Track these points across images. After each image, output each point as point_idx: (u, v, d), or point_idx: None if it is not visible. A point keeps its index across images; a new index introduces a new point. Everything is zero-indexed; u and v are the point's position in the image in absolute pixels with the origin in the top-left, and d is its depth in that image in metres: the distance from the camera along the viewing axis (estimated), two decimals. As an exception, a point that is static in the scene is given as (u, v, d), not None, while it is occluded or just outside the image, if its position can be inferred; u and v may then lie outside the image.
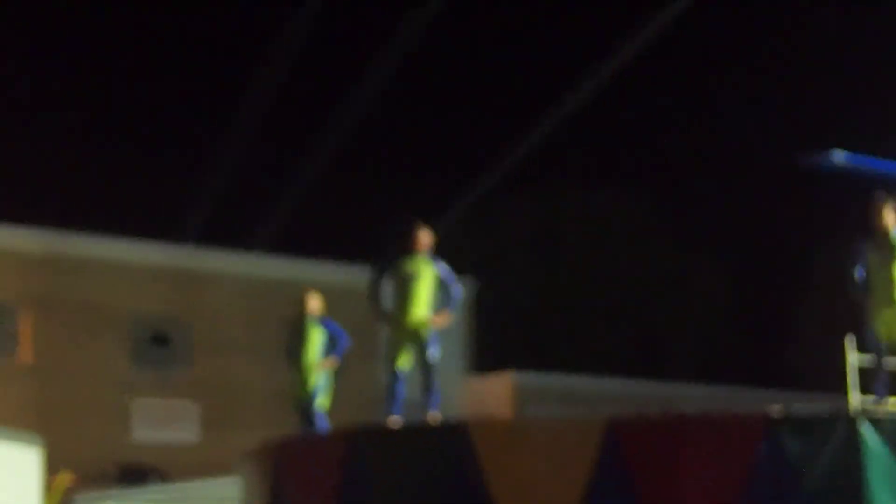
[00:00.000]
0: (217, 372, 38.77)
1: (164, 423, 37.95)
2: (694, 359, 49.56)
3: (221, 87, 66.49)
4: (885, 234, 15.32)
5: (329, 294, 41.15)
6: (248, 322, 39.57)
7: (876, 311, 15.53)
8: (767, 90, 56.30)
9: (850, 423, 11.93)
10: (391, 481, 12.79)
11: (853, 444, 11.75)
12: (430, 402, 15.64)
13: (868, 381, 16.85)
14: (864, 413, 12.45)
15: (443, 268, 16.16)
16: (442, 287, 16.09)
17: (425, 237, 16.05)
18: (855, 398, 16.87)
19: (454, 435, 13.08)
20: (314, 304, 18.36)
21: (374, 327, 41.50)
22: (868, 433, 11.78)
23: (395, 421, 15.34)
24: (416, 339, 15.75)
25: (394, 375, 16.00)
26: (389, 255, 16.15)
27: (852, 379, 17.54)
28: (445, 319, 16.06)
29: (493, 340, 44.80)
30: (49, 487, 23.33)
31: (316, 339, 18.00)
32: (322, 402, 18.19)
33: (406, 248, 16.00)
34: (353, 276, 41.45)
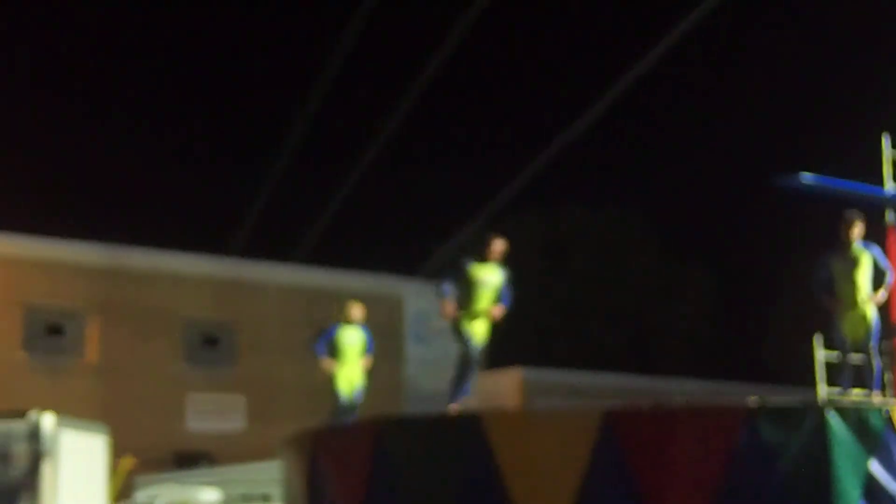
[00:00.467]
0: (260, 370, 38.79)
1: (213, 414, 37.99)
2: (682, 356, 49.45)
3: (266, 121, 66.49)
4: (850, 246, 15.41)
5: (358, 301, 41.27)
6: (288, 326, 39.58)
7: (842, 313, 15.59)
8: (746, 120, 56.32)
9: (818, 412, 11.92)
10: (415, 465, 12.80)
11: (821, 431, 11.73)
12: (459, 393, 15.87)
13: (834, 374, 16.90)
14: (831, 403, 12.46)
15: (505, 274, 16.07)
16: (502, 291, 16.04)
17: (498, 246, 15.94)
18: (822, 390, 16.88)
19: (470, 424, 13.05)
20: (357, 312, 18.32)
21: (397, 331, 41.78)
22: (834, 421, 11.76)
23: (454, 408, 15.49)
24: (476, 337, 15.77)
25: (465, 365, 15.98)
26: (464, 261, 16.00)
27: (820, 373, 17.55)
28: (501, 312, 15.97)
29: (503, 340, 44.71)
30: (113, 470, 23.34)
31: (359, 344, 18.32)
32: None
33: (480, 255, 15.90)
34: (380, 284, 41.59)
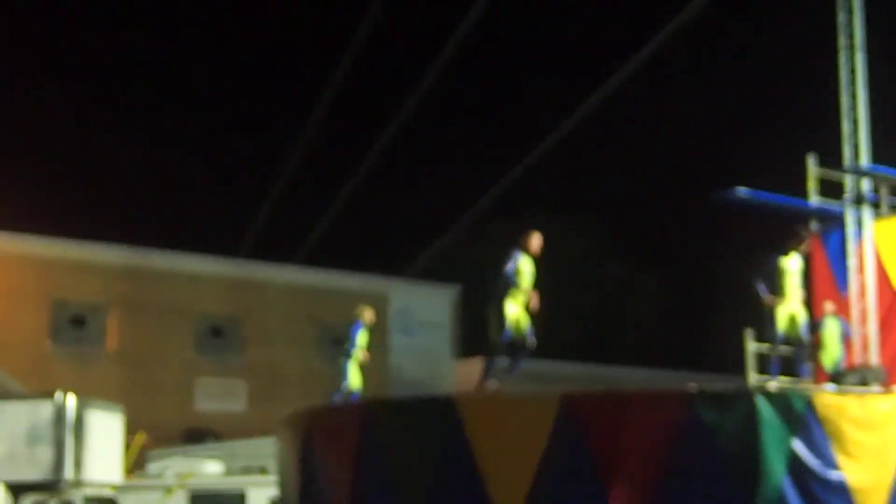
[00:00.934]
0: (262, 358, 38.82)
1: (219, 396, 38.01)
2: (633, 347, 49.57)
3: (272, 140, 66.43)
4: (793, 254, 15.52)
5: (349, 297, 41.34)
6: (287, 319, 39.64)
7: (778, 310, 15.68)
8: (692, 142, 56.61)
9: (749, 397, 11.97)
10: (398, 442, 12.81)
11: (752, 413, 11.77)
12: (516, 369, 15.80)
13: (763, 364, 17.01)
14: (760, 389, 12.54)
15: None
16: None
17: (535, 241, 15.94)
18: (752, 378, 16.95)
19: (445, 405, 13.08)
20: (369, 315, 18.44)
21: (383, 324, 41.85)
22: (763, 405, 11.79)
23: (491, 385, 15.33)
24: (503, 317, 15.56)
25: (493, 345, 15.82)
26: (514, 254, 16.00)
27: (750, 362, 17.64)
28: (536, 300, 15.90)
29: (475, 332, 44.81)
30: (129, 445, 23.31)
31: (366, 340, 18.40)
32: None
33: (523, 249, 15.95)
34: (368, 282, 41.64)
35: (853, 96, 19.78)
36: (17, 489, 19.88)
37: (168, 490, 22.11)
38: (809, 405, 11.96)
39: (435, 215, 49.84)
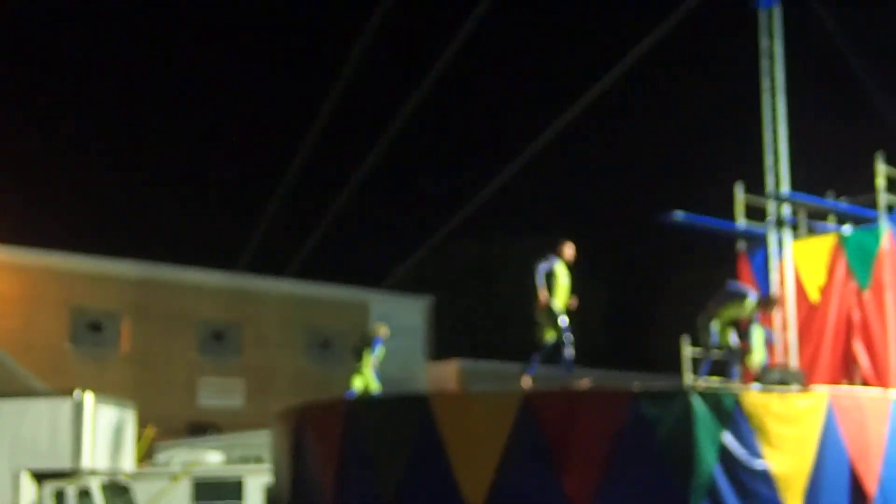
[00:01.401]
0: (257, 359, 38.71)
1: (219, 393, 37.87)
2: (584, 351, 49.53)
3: (265, 164, 66.46)
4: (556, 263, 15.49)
5: (335, 306, 41.22)
6: (280, 325, 39.58)
7: (713, 321, 15.76)
8: (635, 171, 57.13)
9: (685, 395, 12.01)
10: (377, 434, 12.80)
11: (687, 409, 11.81)
12: (568, 366, 15.44)
13: (697, 366, 17.11)
14: (694, 388, 12.60)
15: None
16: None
17: (569, 249, 15.65)
18: (688, 378, 16.98)
19: (419, 401, 13.13)
20: (384, 330, 18.91)
21: (366, 333, 41.85)
22: (696, 402, 11.85)
23: (527, 381, 15.17)
24: (558, 321, 15.34)
25: (540, 347, 15.64)
26: (549, 261, 15.69)
27: (686, 365, 17.70)
28: (575, 303, 15.71)
29: (445, 337, 44.76)
30: (139, 437, 23.21)
31: (383, 353, 18.48)
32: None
33: (559, 255, 15.63)
34: (352, 293, 41.64)
35: (774, 132, 19.91)
36: (39, 477, 19.80)
37: (174, 477, 22.02)
38: (737, 402, 12.01)
39: (409, 235, 50.19)
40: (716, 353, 17.04)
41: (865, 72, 21.70)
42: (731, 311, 16.85)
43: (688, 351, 17.73)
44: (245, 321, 38.96)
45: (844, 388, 15.02)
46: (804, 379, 16.50)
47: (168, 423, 31.39)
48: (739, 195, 20.13)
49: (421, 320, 43.51)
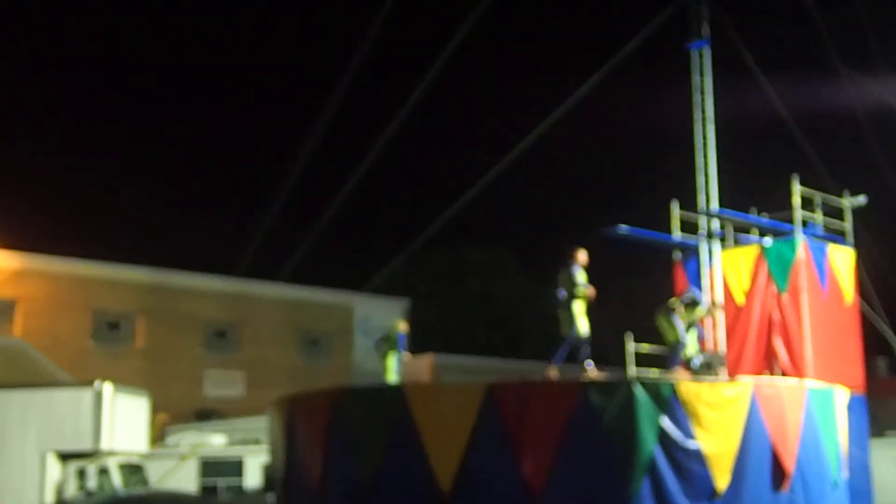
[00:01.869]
0: (255, 354, 38.62)
1: (222, 384, 37.77)
2: (540, 347, 49.62)
3: (259, 179, 66.46)
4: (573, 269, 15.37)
5: (323, 308, 40.93)
6: (275, 325, 39.50)
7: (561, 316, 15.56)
8: (584, 191, 57.42)
9: (628, 385, 12.04)
10: (359, 420, 12.74)
11: (630, 397, 11.82)
12: (585, 354, 15.06)
13: (639, 359, 17.14)
14: (636, 379, 12.61)
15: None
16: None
17: (582, 255, 15.39)
18: (631, 370, 17.02)
19: (396, 391, 13.15)
20: (403, 326, 18.60)
21: (349, 328, 41.83)
22: (638, 391, 11.86)
23: (553, 371, 14.83)
24: (574, 317, 15.08)
25: (564, 339, 15.24)
26: (567, 265, 15.38)
27: (630, 358, 17.75)
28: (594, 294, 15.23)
29: (419, 335, 44.69)
30: (152, 422, 23.06)
31: (396, 346, 18.23)
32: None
33: (577, 262, 15.32)
34: (337, 296, 41.54)
35: (705, 156, 20.01)
36: (64, 457, 19.68)
37: (183, 457, 21.90)
38: (674, 391, 12.02)
39: (388, 245, 50.19)
40: (657, 348, 17.11)
41: (782, 103, 21.82)
42: (688, 315, 16.92)
43: (631, 346, 17.77)
44: (244, 321, 38.90)
45: (766, 379, 15.05)
46: (725, 362, 16.58)
47: (177, 409, 31.34)
48: (675, 211, 20.19)
49: (399, 320, 43.48)
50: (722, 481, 11.94)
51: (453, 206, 25.14)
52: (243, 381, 38.06)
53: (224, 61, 74.44)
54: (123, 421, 20.51)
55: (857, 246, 20.12)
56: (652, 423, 11.80)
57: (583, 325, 15.07)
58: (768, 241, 19.25)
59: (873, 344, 21.85)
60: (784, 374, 17.41)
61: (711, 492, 11.88)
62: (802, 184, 19.16)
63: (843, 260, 19.51)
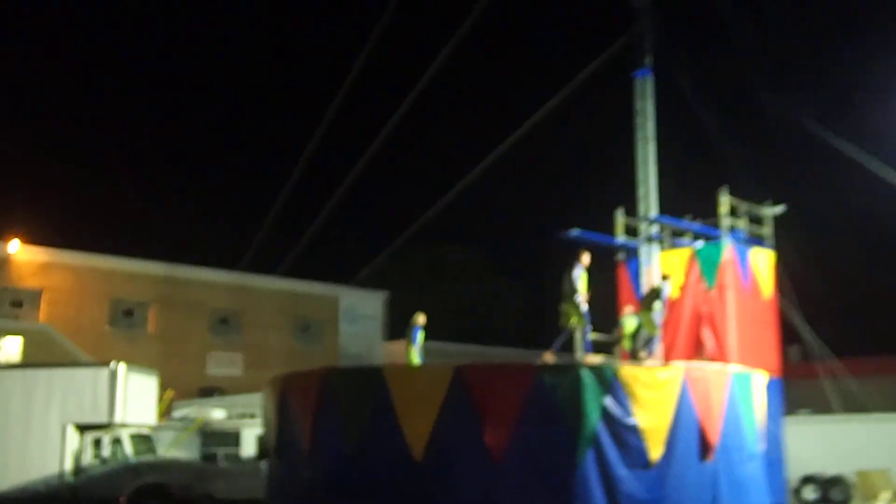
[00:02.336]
0: (255, 339, 38.55)
1: (224, 365, 37.64)
2: (503, 334, 49.77)
3: (260, 187, 66.15)
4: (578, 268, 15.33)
5: (314, 298, 40.73)
6: (272, 313, 39.45)
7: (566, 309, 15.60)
8: (544, 199, 57.50)
9: (576, 368, 12.14)
10: (345, 396, 12.76)
11: (577, 379, 11.92)
12: (588, 346, 14.98)
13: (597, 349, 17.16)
14: (582, 363, 12.69)
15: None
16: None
17: (586, 257, 15.21)
18: (579, 355, 17.06)
19: (376, 372, 13.10)
20: (420, 319, 18.28)
21: (335, 316, 41.80)
22: (585, 373, 11.96)
23: (550, 356, 14.74)
24: (580, 311, 14.92)
25: (567, 331, 15.12)
26: (571, 266, 15.19)
27: (578, 345, 17.80)
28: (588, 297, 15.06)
29: (397, 322, 44.65)
30: (161, 398, 22.95)
31: (418, 335, 17.82)
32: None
33: (581, 263, 15.12)
34: (325, 288, 41.47)
35: (646, 170, 20.14)
36: (82, 428, 19.54)
37: (188, 429, 21.81)
38: (615, 374, 12.12)
39: (371, 245, 50.21)
40: (602, 336, 17.15)
41: (713, 124, 21.97)
42: (648, 309, 16.91)
43: (578, 335, 17.80)
44: (245, 309, 38.80)
45: (695, 364, 15.17)
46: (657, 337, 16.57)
47: (183, 387, 31.20)
48: (619, 217, 20.28)
49: (379, 310, 43.50)
50: (656, 452, 12.04)
51: (429, 211, 25.21)
52: (242, 362, 37.96)
53: (228, 81, 74.12)
54: (135, 396, 20.39)
55: (776, 249, 20.30)
56: (596, 401, 11.88)
57: (584, 318, 15.06)
58: (699, 244, 19.38)
59: (788, 334, 22.03)
60: (711, 359, 17.53)
61: (646, 461, 11.98)
62: (730, 194, 19.31)
63: (763, 261, 19.67)
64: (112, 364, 19.93)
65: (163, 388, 23.21)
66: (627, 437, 11.94)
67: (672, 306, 18.89)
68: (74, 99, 65.75)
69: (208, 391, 35.09)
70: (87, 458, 19.38)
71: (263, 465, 16.41)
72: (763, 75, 24.09)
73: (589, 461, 11.70)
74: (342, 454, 12.48)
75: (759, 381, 14.32)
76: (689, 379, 12.55)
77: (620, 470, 11.80)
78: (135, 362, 21.83)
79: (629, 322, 17.15)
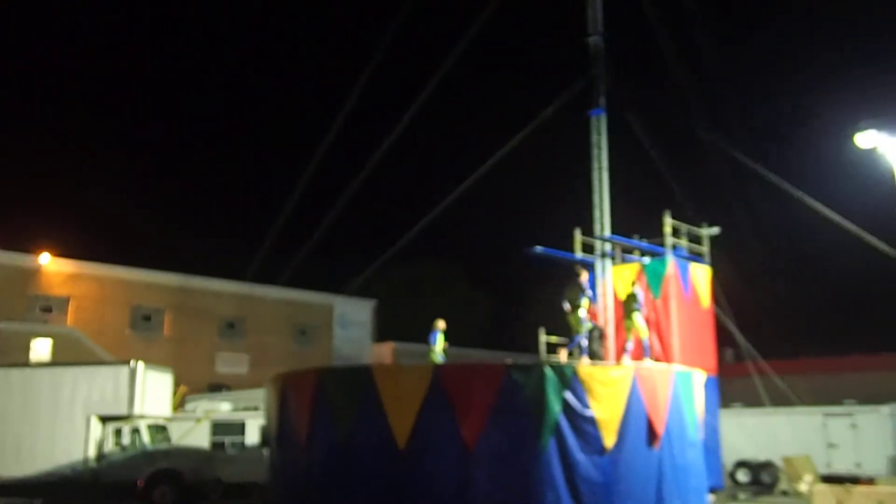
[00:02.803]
0: (258, 341, 38.23)
1: (231, 364, 37.31)
2: (476, 337, 49.67)
3: (261, 209, 65.91)
4: (578, 285, 15.47)
5: (311, 306, 40.36)
6: (274, 319, 39.17)
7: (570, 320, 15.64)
8: (510, 219, 57.62)
9: (540, 366, 12.12)
10: (337, 392, 12.69)
11: (542, 376, 11.93)
12: (584, 351, 15.00)
13: (551, 348, 17.15)
14: (547, 362, 12.69)
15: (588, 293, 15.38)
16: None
17: (585, 275, 15.29)
18: (543, 355, 17.04)
19: (365, 370, 13.03)
20: (440, 324, 17.67)
21: (329, 321, 41.58)
22: (548, 371, 11.96)
23: (564, 355, 14.84)
24: (579, 321, 15.10)
25: (574, 336, 15.25)
26: (571, 282, 15.29)
27: (542, 347, 17.80)
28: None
29: (384, 327, 44.51)
30: (175, 392, 22.73)
31: (439, 338, 17.37)
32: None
33: (578, 278, 15.27)
34: (321, 297, 41.25)
35: (600, 196, 20.20)
36: (105, 419, 19.35)
37: (198, 420, 21.59)
38: (575, 372, 12.13)
39: (361, 259, 50.00)
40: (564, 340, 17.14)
41: (658, 155, 22.12)
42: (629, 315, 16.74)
43: (543, 338, 17.82)
44: (249, 316, 38.54)
45: (643, 364, 15.22)
46: (605, 333, 16.53)
47: (195, 383, 30.98)
48: (577, 236, 20.34)
49: (368, 316, 43.36)
50: (609, 440, 12.05)
51: (412, 231, 25.15)
52: (247, 361, 37.68)
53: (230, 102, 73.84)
54: (152, 391, 20.21)
55: (712, 264, 20.42)
56: (558, 395, 11.89)
57: (584, 326, 15.23)
58: (646, 259, 19.47)
59: (723, 338, 22.14)
60: (657, 360, 17.59)
61: (601, 448, 11.99)
62: (672, 217, 19.42)
63: (701, 275, 19.78)
64: (131, 363, 19.76)
65: (176, 384, 22.99)
66: (585, 427, 11.94)
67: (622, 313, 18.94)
68: (102, 132, 65.57)
69: (216, 387, 34.75)
70: (109, 445, 19.20)
71: (265, 452, 16.26)
72: (701, 113, 24.30)
73: (551, 448, 11.69)
74: (335, 443, 12.39)
75: (699, 379, 14.38)
76: (638, 377, 12.58)
77: (579, 455, 11.79)
78: (151, 361, 21.63)
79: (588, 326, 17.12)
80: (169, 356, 32.36)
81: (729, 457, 24.92)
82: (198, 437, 21.10)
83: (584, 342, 15.13)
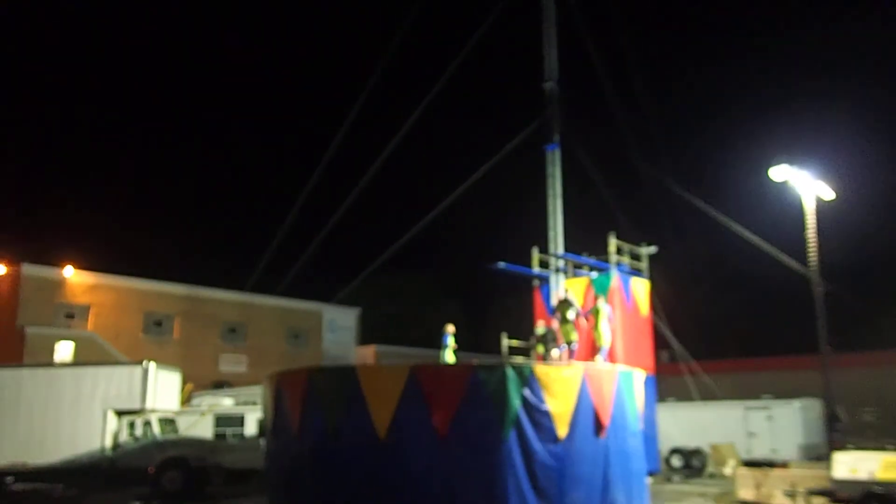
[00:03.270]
0: (257, 344, 37.93)
1: (233, 363, 36.95)
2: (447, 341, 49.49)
3: (259, 227, 65.41)
4: (567, 301, 15.54)
5: (303, 313, 40.06)
6: (271, 325, 38.89)
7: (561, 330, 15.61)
8: (481, 239, 57.73)
9: (503, 366, 12.10)
10: (325, 389, 12.56)
11: (503, 374, 11.91)
12: (562, 349, 15.17)
13: (517, 352, 17.13)
14: (508, 362, 12.71)
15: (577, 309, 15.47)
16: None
17: (571, 293, 15.45)
18: (505, 356, 17.03)
19: (350, 370, 12.92)
20: (451, 328, 17.33)
21: (319, 327, 41.29)
22: (509, 370, 11.96)
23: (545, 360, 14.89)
24: (570, 330, 15.17)
25: (569, 343, 15.46)
26: (562, 303, 15.50)
27: (504, 351, 17.79)
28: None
29: (367, 332, 44.31)
30: (182, 389, 22.42)
31: (450, 340, 17.15)
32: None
33: (567, 301, 15.50)
34: (312, 305, 40.99)
35: (555, 219, 20.32)
36: (120, 413, 19.07)
37: (203, 413, 21.30)
38: (532, 371, 12.13)
39: (347, 271, 49.70)
40: (523, 343, 17.13)
41: (604, 185, 22.30)
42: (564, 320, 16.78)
43: (505, 343, 17.81)
44: (249, 322, 38.24)
45: (592, 364, 15.29)
46: (557, 336, 16.54)
47: (200, 381, 30.68)
48: (535, 253, 20.40)
49: (353, 322, 43.17)
50: (562, 431, 12.06)
51: (392, 247, 25.09)
52: (247, 361, 37.35)
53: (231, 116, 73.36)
54: (162, 388, 19.95)
55: (650, 279, 20.59)
56: (518, 392, 11.89)
57: (574, 335, 15.57)
58: (594, 274, 19.56)
59: (660, 342, 22.32)
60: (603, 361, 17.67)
61: (555, 438, 12.00)
62: (616, 237, 19.58)
63: (641, 288, 19.91)
64: (144, 363, 19.53)
65: (184, 381, 22.71)
66: (541, 420, 11.95)
67: (575, 321, 19.01)
68: (122, 164, 64.98)
69: (220, 384, 34.41)
70: (123, 436, 18.92)
71: (262, 442, 16.08)
72: (640, 148, 24.56)
73: (512, 438, 11.69)
74: (323, 433, 12.30)
75: (639, 377, 14.45)
76: (587, 375, 12.62)
77: (536, 444, 11.80)
78: (162, 362, 21.36)
79: (540, 331, 17.17)
80: (177, 357, 32.01)
81: (665, 444, 25.08)
82: (202, 428, 20.82)
83: (575, 348, 15.36)
